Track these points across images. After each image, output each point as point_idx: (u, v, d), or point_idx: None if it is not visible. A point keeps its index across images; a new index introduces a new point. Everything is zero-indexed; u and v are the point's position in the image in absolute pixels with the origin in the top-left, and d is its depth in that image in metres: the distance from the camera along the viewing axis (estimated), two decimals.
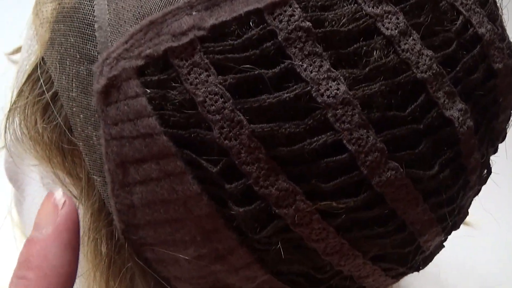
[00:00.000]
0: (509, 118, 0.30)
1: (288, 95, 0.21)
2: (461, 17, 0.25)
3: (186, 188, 0.23)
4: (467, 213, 0.30)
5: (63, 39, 0.24)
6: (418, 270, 0.31)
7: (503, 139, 0.31)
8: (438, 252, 0.32)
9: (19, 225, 0.39)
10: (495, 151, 0.31)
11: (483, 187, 0.32)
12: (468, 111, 0.25)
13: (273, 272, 0.26)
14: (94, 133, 0.24)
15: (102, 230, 0.25)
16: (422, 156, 0.24)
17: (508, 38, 0.28)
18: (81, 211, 0.26)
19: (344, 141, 0.22)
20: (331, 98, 0.22)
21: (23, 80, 0.26)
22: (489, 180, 0.32)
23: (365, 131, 0.22)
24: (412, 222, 0.25)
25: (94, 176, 0.24)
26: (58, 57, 0.24)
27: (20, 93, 0.26)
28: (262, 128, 0.22)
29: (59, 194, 0.23)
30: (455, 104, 0.24)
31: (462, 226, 0.48)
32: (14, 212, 0.37)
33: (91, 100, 0.23)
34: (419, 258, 0.29)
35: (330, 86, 0.22)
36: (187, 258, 0.24)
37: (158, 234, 0.24)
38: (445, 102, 0.24)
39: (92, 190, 0.25)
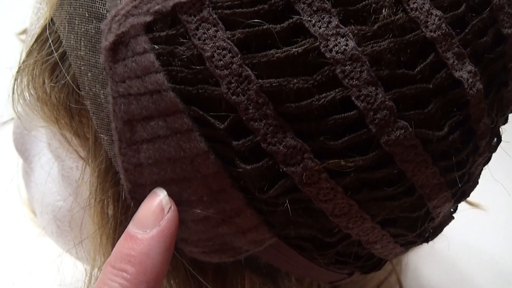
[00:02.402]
0: None
1: (296, 50, 0.22)
2: None
3: (193, 145, 0.23)
4: (477, 182, 0.30)
5: None
6: (427, 241, 0.32)
7: None
8: (447, 223, 0.33)
9: (27, 204, 0.40)
10: (505, 120, 0.32)
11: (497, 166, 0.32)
12: (477, 74, 0.25)
13: (281, 236, 0.26)
14: (101, 91, 0.24)
15: (109, 191, 0.26)
16: (431, 117, 0.24)
17: None
18: (87, 173, 0.26)
19: (353, 98, 0.22)
20: (339, 54, 0.22)
21: (32, 41, 0.26)
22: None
23: (373, 88, 0.22)
24: (421, 185, 0.25)
25: (101, 135, 0.25)
26: (67, 17, 0.25)
27: (29, 53, 0.26)
28: (270, 83, 0.22)
29: (165, 198, 0.24)
30: (464, 66, 0.24)
31: (472, 209, 0.48)
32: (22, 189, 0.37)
33: (99, 58, 0.24)
34: (429, 226, 0.29)
35: (339, 42, 0.22)
36: (193, 219, 0.25)
37: None
38: (455, 63, 0.24)
39: (99, 150, 0.25)
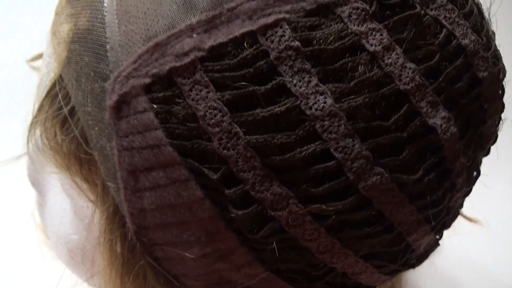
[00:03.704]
0: (498, 123, 0.33)
1: (279, 109, 0.25)
2: (444, 30, 0.28)
3: (190, 193, 0.26)
4: (457, 213, 0.33)
5: (79, 58, 0.28)
6: (413, 267, 0.34)
7: (494, 141, 0.34)
8: (433, 250, 0.35)
9: (41, 227, 0.43)
10: (487, 153, 0.34)
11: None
12: (451, 119, 0.27)
13: (272, 270, 0.29)
14: (107, 144, 0.27)
15: (116, 232, 0.29)
16: (406, 162, 0.27)
17: (494, 47, 0.30)
18: (97, 215, 0.30)
19: (332, 150, 0.25)
20: (318, 111, 0.25)
21: (43, 95, 0.30)
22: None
23: (351, 140, 0.25)
24: (399, 223, 0.28)
25: (109, 183, 0.28)
26: (75, 75, 0.28)
27: (40, 107, 0.29)
28: (257, 139, 0.25)
29: None
30: (438, 113, 0.27)
31: (469, 223, 0.50)
32: (36, 215, 0.41)
33: (104, 114, 0.27)
34: (412, 256, 0.32)
35: (318, 100, 0.25)
36: (193, 257, 0.28)
37: (166, 235, 0.28)
38: (428, 111, 0.27)
39: (107, 195, 0.28)
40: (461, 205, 0.34)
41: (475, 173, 0.32)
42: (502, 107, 0.32)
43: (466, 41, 0.28)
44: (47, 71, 0.31)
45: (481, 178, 0.35)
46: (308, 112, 0.25)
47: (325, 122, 0.25)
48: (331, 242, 0.27)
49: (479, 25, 0.30)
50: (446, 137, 0.27)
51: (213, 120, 0.25)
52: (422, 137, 0.27)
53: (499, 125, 0.33)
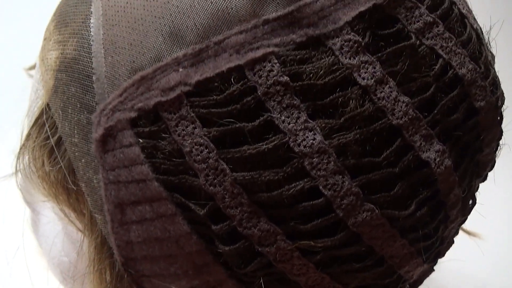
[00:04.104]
0: (496, 150, 0.32)
1: (266, 146, 0.24)
2: (440, 60, 0.27)
3: (177, 228, 0.26)
4: (452, 242, 0.32)
5: (65, 88, 0.28)
6: None
7: (492, 167, 0.33)
8: (427, 277, 0.35)
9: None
10: (484, 179, 0.34)
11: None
12: (446, 151, 0.27)
13: None
14: (94, 177, 0.27)
15: (105, 261, 0.29)
16: (398, 198, 0.26)
17: (493, 74, 0.30)
18: (86, 243, 0.29)
19: (320, 187, 0.25)
20: (307, 148, 0.24)
21: (31, 124, 0.29)
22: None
23: (340, 177, 0.25)
24: (391, 256, 0.28)
25: (96, 215, 0.28)
26: (61, 105, 0.28)
27: (28, 136, 0.29)
28: (244, 176, 0.25)
29: None
30: (432, 146, 0.26)
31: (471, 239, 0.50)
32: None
33: (91, 147, 0.27)
34: (405, 285, 0.32)
35: (307, 137, 0.24)
36: None
37: (154, 268, 0.27)
38: (422, 145, 0.26)
39: (94, 226, 0.28)
40: (456, 233, 0.33)
41: (470, 202, 0.32)
42: (500, 134, 0.31)
43: (463, 70, 0.28)
44: (35, 97, 0.30)
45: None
46: (296, 149, 0.24)
47: (314, 159, 0.25)
48: (320, 276, 0.27)
49: (477, 52, 0.29)
50: (440, 170, 0.27)
51: (199, 157, 0.25)
52: (415, 172, 0.26)
53: (497, 152, 0.33)
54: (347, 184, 0.25)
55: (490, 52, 0.31)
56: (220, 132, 0.25)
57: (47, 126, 0.28)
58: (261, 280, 0.27)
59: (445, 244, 0.31)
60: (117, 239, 0.27)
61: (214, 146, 0.24)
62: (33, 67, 0.40)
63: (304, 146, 0.24)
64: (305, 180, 0.25)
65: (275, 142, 0.24)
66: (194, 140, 0.25)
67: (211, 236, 0.26)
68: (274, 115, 0.24)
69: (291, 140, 0.24)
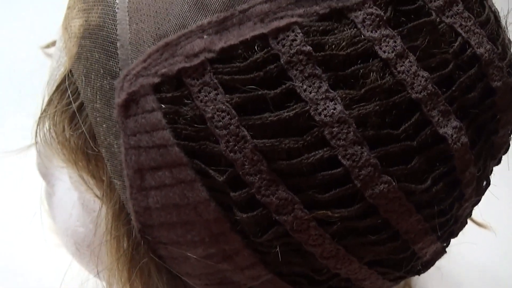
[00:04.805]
0: (511, 132, 0.32)
1: (288, 114, 0.25)
2: (459, 39, 0.27)
3: (196, 194, 0.26)
4: (465, 222, 0.33)
5: (89, 55, 0.28)
6: (419, 273, 0.35)
7: (506, 150, 0.34)
8: (439, 258, 0.35)
9: (50, 227, 0.44)
10: (498, 162, 0.34)
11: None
12: (463, 128, 0.27)
13: (276, 272, 0.29)
14: (115, 142, 0.28)
15: (122, 229, 0.29)
16: (415, 171, 0.27)
17: (510, 56, 0.30)
18: (103, 210, 0.30)
19: (339, 157, 0.25)
20: (328, 117, 0.25)
21: (53, 89, 0.30)
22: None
23: (359, 147, 0.25)
24: (406, 232, 0.28)
25: (115, 180, 0.28)
26: (84, 71, 0.28)
27: (50, 101, 0.30)
28: (264, 143, 0.25)
29: None
30: (449, 122, 0.27)
31: (478, 229, 0.50)
32: (44, 215, 0.41)
33: (113, 112, 0.27)
34: (417, 263, 0.32)
35: (328, 106, 0.25)
36: (196, 257, 0.28)
37: (171, 235, 0.28)
38: (439, 120, 0.27)
39: (113, 192, 0.29)
40: (469, 214, 0.34)
41: (485, 183, 0.32)
42: None
43: (481, 50, 0.28)
44: (57, 65, 0.31)
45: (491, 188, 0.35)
46: (317, 118, 0.25)
47: (334, 129, 0.25)
48: (336, 248, 0.27)
49: (495, 33, 0.29)
50: (457, 147, 0.27)
51: (220, 123, 0.25)
52: (432, 147, 0.27)
53: None
54: (365, 155, 0.25)
55: (507, 36, 0.32)
56: (242, 98, 0.25)
57: (69, 91, 0.29)
58: (277, 250, 0.27)
59: (458, 223, 0.32)
60: (135, 205, 0.28)
61: (236, 113, 0.25)
62: (50, 45, 0.41)
63: (325, 115, 0.25)
64: (325, 149, 0.25)
65: (296, 110, 0.25)
66: (216, 106, 0.25)
67: (229, 203, 0.27)
68: (296, 84, 0.25)
69: (312, 109, 0.25)
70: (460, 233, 0.42)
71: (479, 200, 0.33)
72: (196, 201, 0.27)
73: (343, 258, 0.28)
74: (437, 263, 0.46)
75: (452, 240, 0.40)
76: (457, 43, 0.27)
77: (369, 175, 0.26)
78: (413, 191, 0.27)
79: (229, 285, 0.30)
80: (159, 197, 0.27)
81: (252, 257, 0.28)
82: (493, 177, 0.34)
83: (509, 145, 0.34)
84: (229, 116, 0.25)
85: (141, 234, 0.29)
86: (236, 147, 0.25)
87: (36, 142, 0.31)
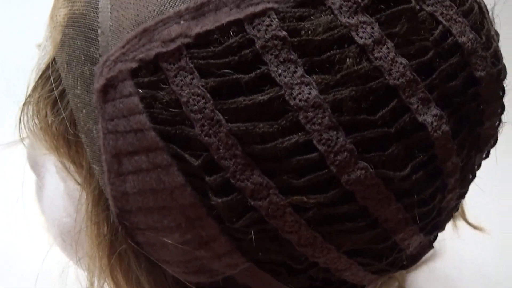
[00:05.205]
0: (498, 125, 0.32)
1: (262, 98, 0.25)
2: (440, 27, 0.27)
3: (171, 179, 0.27)
4: (450, 215, 0.33)
5: (71, 42, 0.29)
6: (404, 268, 0.34)
7: (494, 143, 0.33)
8: (426, 253, 0.35)
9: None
10: (486, 156, 0.34)
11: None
12: (444, 117, 0.27)
13: (253, 261, 0.29)
14: (94, 127, 0.28)
15: (101, 214, 0.30)
16: (393, 158, 0.26)
17: (495, 47, 0.30)
18: (83, 196, 0.30)
19: (314, 141, 0.25)
20: (303, 102, 0.25)
21: (37, 77, 0.31)
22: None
23: (334, 132, 0.25)
24: (385, 220, 0.28)
25: (94, 165, 0.29)
26: (67, 58, 0.29)
27: (34, 88, 0.31)
28: (238, 127, 0.25)
29: None
30: (429, 110, 0.27)
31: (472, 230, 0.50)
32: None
33: (92, 97, 0.28)
34: (401, 256, 0.32)
35: (303, 91, 0.25)
36: (173, 243, 0.28)
37: (148, 220, 0.28)
38: (419, 108, 0.27)
39: (92, 177, 0.29)
40: (455, 208, 0.33)
41: (470, 176, 0.32)
42: (501, 108, 0.32)
43: (464, 39, 0.28)
44: (43, 54, 0.32)
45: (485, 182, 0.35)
46: (291, 102, 0.25)
47: (308, 113, 0.25)
48: (313, 235, 0.27)
49: (479, 23, 0.29)
50: (437, 135, 0.27)
51: (196, 107, 0.25)
52: (411, 134, 0.27)
53: (499, 128, 0.33)
54: (341, 140, 0.25)
55: (494, 28, 0.32)
56: (217, 82, 0.25)
57: (52, 78, 0.30)
58: (254, 237, 0.27)
59: (443, 215, 0.31)
60: (113, 190, 0.28)
61: (211, 97, 0.25)
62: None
63: (300, 100, 0.25)
64: (300, 134, 0.25)
65: (271, 94, 0.25)
66: (192, 91, 0.25)
67: (205, 188, 0.27)
68: (271, 68, 0.25)
69: (286, 93, 0.25)
70: (456, 233, 0.42)
71: (464, 193, 0.33)
72: (172, 186, 0.27)
73: (321, 246, 0.28)
74: (433, 264, 0.45)
75: (448, 238, 0.39)
76: (438, 31, 0.27)
77: (345, 161, 0.26)
78: (391, 178, 0.27)
79: (207, 273, 0.30)
80: (136, 182, 0.27)
81: (228, 244, 0.28)
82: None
83: (496, 138, 0.33)
84: (204, 100, 0.25)
85: (119, 220, 0.29)
86: (211, 131, 0.25)
87: (20, 130, 0.31)
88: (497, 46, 0.31)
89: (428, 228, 0.31)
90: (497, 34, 0.32)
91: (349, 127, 0.26)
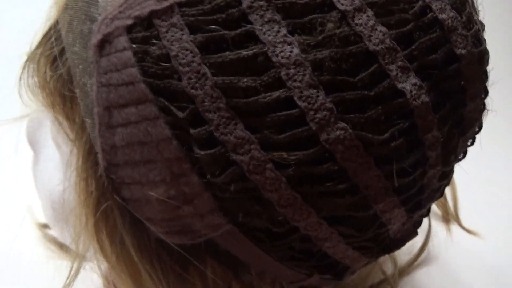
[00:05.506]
0: (482, 108, 0.33)
1: (247, 53, 0.26)
2: (420, 2, 0.29)
3: (158, 131, 0.28)
4: (433, 195, 0.33)
5: (74, 4, 0.31)
6: (387, 250, 0.35)
7: (479, 130, 0.34)
8: (410, 238, 0.35)
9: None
10: (472, 142, 0.34)
11: None
12: (423, 87, 0.28)
13: (235, 223, 0.30)
14: (88, 81, 0.29)
15: (90, 170, 0.31)
16: (372, 121, 0.27)
17: (476, 30, 0.31)
18: (74, 152, 0.32)
19: (295, 98, 0.26)
20: (285, 59, 0.26)
21: (40, 37, 0.32)
22: None
23: (315, 91, 0.26)
24: (365, 186, 0.28)
25: (86, 119, 0.30)
26: (68, 19, 0.31)
27: (36, 47, 0.32)
28: (223, 80, 0.27)
29: None
30: (408, 79, 0.28)
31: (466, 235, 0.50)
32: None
33: (89, 54, 0.29)
34: (383, 233, 0.32)
35: (285, 49, 0.26)
36: (157, 197, 0.29)
37: (134, 174, 0.29)
38: (398, 75, 0.28)
39: (84, 132, 0.30)
40: (439, 191, 0.34)
41: (453, 157, 0.32)
42: (485, 92, 0.32)
43: (444, 16, 0.29)
44: (48, 18, 0.34)
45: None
46: (274, 59, 0.26)
47: (290, 70, 0.26)
48: (293, 195, 0.28)
49: (460, 4, 0.31)
50: (416, 103, 0.28)
51: (184, 60, 0.27)
52: (391, 100, 0.28)
53: (483, 113, 0.33)
54: (321, 99, 0.27)
55: (477, 13, 0.33)
56: (205, 38, 0.27)
57: (53, 38, 0.31)
58: (236, 196, 0.28)
59: (425, 193, 0.32)
60: (103, 142, 0.29)
61: (198, 51, 0.27)
62: None
63: (282, 57, 0.26)
64: (281, 90, 0.26)
65: (255, 50, 0.26)
66: (181, 45, 0.27)
67: (189, 141, 0.28)
68: (255, 27, 0.27)
69: (270, 50, 0.26)
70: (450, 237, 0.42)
71: (446, 175, 0.33)
72: (159, 138, 0.28)
73: (301, 208, 0.28)
74: (426, 269, 0.45)
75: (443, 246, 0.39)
76: (418, 5, 0.29)
77: (325, 119, 0.27)
78: (370, 141, 0.27)
79: (189, 234, 0.30)
80: (124, 135, 0.29)
81: (211, 202, 0.29)
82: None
83: (481, 125, 0.34)
84: (192, 54, 0.27)
85: (106, 174, 0.30)
86: (197, 84, 0.27)
87: (19, 87, 0.33)
88: (480, 31, 0.32)
89: (410, 204, 0.31)
90: (482, 24, 0.33)
91: (329, 86, 0.27)
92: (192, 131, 0.27)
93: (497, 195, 0.57)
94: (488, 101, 0.34)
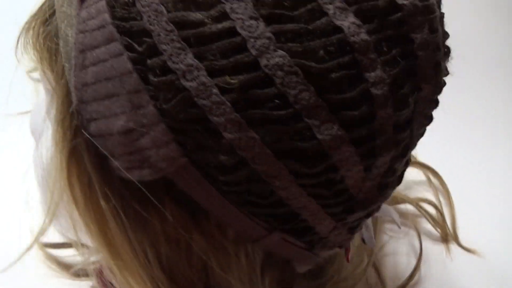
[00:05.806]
0: (437, 61, 0.34)
1: None
2: None
3: (122, 66, 0.31)
4: (397, 176, 0.34)
5: None
6: (350, 211, 0.35)
7: (439, 91, 0.35)
8: (376, 201, 0.36)
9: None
10: (435, 104, 0.36)
11: None
12: (362, 27, 0.31)
13: (190, 159, 0.32)
14: (70, 32, 0.34)
15: (65, 111, 0.34)
16: (312, 51, 0.30)
17: None
18: (55, 97, 0.35)
19: (237, 27, 0.30)
20: None
21: (37, 8, 0.38)
22: None
23: (255, 22, 0.30)
24: (307, 115, 0.30)
25: (65, 64, 0.34)
26: None
27: (33, 14, 0.38)
28: (176, 15, 0.30)
29: None
30: (347, 18, 0.30)
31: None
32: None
33: (73, 10, 0.34)
34: (339, 182, 0.33)
35: None
36: (119, 129, 0.32)
37: (100, 108, 0.32)
38: (336, 14, 0.30)
39: (63, 76, 0.35)
40: (403, 167, 0.35)
41: (405, 108, 0.33)
42: (436, 45, 0.34)
43: None
44: None
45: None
46: None
47: (233, 5, 0.30)
48: (238, 121, 0.30)
49: None
50: (356, 39, 0.30)
51: (145, 2, 0.31)
52: (329, 34, 0.30)
53: (441, 70, 0.35)
54: (261, 28, 0.30)
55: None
56: None
57: (46, 5, 0.37)
58: (187, 126, 0.31)
59: (377, 140, 0.32)
60: (76, 81, 0.33)
61: None
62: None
63: None
64: (226, 22, 0.30)
65: None
66: None
67: (147, 73, 0.31)
68: None
69: None
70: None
71: (407, 144, 0.34)
72: (122, 72, 0.31)
73: (246, 135, 0.30)
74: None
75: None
76: None
77: (264, 46, 0.29)
78: (309, 69, 0.30)
79: (146, 169, 0.33)
80: (94, 72, 0.32)
81: (167, 133, 0.31)
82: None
83: (440, 85, 0.35)
84: None
85: (77, 111, 0.33)
86: (155, 20, 0.31)
87: (17, 50, 0.38)
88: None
89: (363, 149, 0.32)
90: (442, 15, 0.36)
91: (269, 19, 0.30)
92: (148, 61, 0.31)
93: (495, 210, 0.56)
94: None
